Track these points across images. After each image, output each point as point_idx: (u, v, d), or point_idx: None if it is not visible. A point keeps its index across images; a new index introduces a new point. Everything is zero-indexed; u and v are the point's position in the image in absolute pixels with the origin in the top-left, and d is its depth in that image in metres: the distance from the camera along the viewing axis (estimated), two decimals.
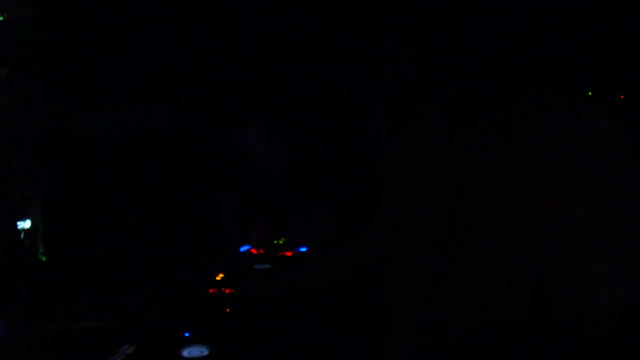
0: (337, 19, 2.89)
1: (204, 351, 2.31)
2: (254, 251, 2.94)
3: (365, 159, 3.00)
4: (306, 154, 3.16)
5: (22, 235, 2.93)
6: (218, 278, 2.73)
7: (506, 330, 1.18)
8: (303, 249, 2.96)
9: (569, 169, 1.13)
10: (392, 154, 1.50)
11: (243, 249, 2.95)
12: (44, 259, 2.90)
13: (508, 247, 1.17)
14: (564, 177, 1.13)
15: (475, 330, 1.21)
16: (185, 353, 2.30)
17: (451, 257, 1.26)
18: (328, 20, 2.90)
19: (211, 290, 2.65)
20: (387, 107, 2.90)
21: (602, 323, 1.07)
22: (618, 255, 1.09)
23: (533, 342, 1.12)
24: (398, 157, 1.49)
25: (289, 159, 3.15)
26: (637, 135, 1.21)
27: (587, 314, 1.08)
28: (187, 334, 2.38)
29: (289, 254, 2.93)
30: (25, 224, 2.94)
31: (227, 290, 2.65)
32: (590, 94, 1.71)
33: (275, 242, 3.01)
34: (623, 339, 1.06)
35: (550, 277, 1.12)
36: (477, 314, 1.21)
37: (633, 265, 1.09)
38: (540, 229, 1.14)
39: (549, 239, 1.13)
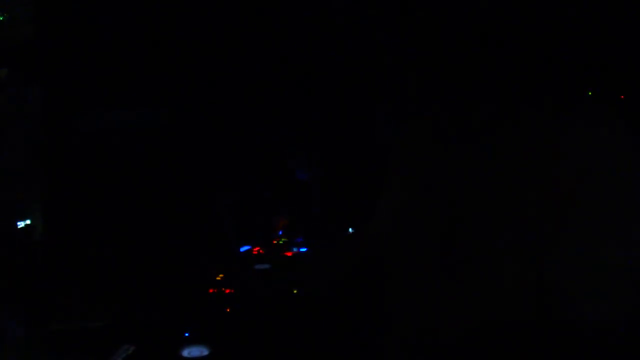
0: (336, 20, 2.90)
1: (204, 351, 2.30)
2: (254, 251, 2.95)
3: (364, 159, 3.00)
4: (305, 154, 3.16)
5: (22, 235, 2.93)
6: (218, 278, 2.73)
7: (506, 335, 1.17)
8: (303, 249, 2.96)
9: (572, 171, 1.12)
10: (391, 155, 1.50)
11: (243, 249, 2.96)
12: (43, 258, 2.90)
13: (509, 249, 1.17)
14: (567, 179, 1.12)
15: (475, 335, 1.21)
16: (185, 353, 2.30)
17: (451, 260, 1.26)
18: (326, 21, 2.91)
19: (211, 290, 2.65)
20: (387, 108, 2.90)
21: (606, 332, 1.07)
22: (624, 262, 1.08)
23: (534, 348, 1.12)
24: (398, 158, 1.49)
25: (289, 159, 3.15)
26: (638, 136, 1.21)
27: (590, 322, 1.07)
28: (187, 334, 2.38)
29: (289, 254, 2.94)
30: (25, 224, 2.94)
31: (227, 290, 2.65)
32: (590, 94, 1.71)
33: (275, 242, 3.01)
34: (626, 348, 1.06)
35: (553, 282, 1.12)
36: (476, 318, 1.21)
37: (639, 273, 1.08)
38: (542, 232, 1.13)
39: (552, 242, 1.13)
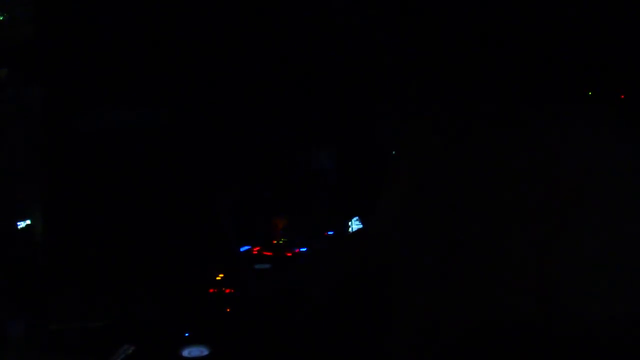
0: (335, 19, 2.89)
1: (204, 351, 2.30)
2: (254, 251, 2.95)
3: (364, 159, 3.00)
4: (306, 153, 3.16)
5: (22, 235, 2.93)
6: (218, 278, 2.73)
7: (508, 335, 1.17)
8: (303, 249, 2.96)
9: (572, 170, 1.12)
10: (392, 154, 1.51)
11: (243, 249, 2.95)
12: (43, 258, 2.89)
13: (510, 249, 1.17)
14: (567, 179, 1.12)
15: (476, 335, 1.21)
16: (185, 353, 2.30)
17: (452, 259, 1.26)
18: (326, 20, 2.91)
19: (211, 290, 2.65)
20: (387, 108, 2.90)
21: (607, 331, 1.07)
22: (625, 262, 1.08)
23: (536, 348, 1.12)
24: (398, 158, 1.49)
25: (289, 158, 3.15)
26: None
27: (591, 322, 1.07)
28: (187, 334, 2.38)
29: (289, 254, 2.94)
30: (25, 224, 2.94)
31: (227, 290, 2.65)
32: (590, 94, 1.71)
33: (275, 242, 3.01)
34: (628, 348, 1.05)
35: (554, 282, 1.11)
36: (478, 318, 1.21)
37: None
38: (543, 231, 1.13)
39: (553, 241, 1.12)
